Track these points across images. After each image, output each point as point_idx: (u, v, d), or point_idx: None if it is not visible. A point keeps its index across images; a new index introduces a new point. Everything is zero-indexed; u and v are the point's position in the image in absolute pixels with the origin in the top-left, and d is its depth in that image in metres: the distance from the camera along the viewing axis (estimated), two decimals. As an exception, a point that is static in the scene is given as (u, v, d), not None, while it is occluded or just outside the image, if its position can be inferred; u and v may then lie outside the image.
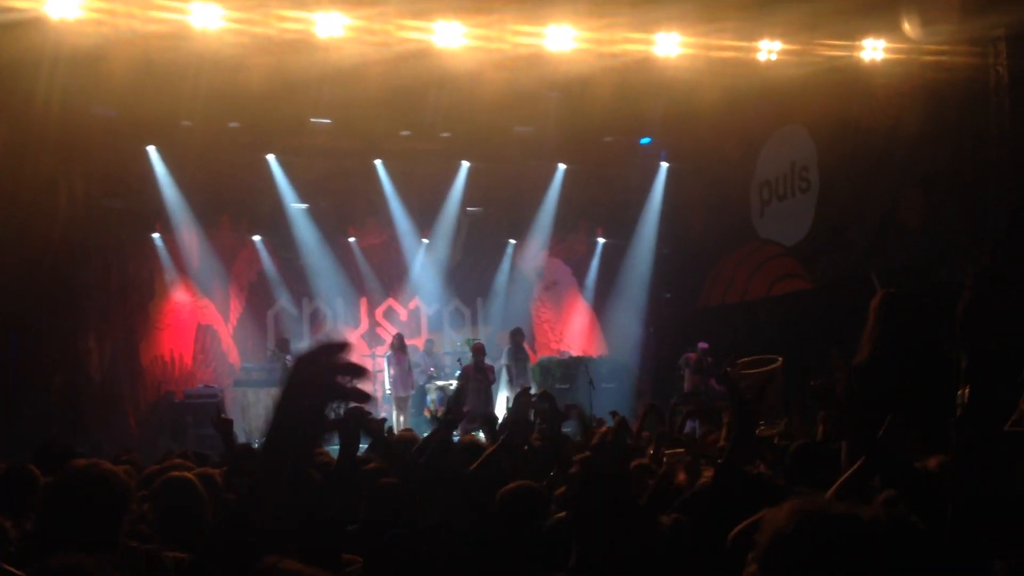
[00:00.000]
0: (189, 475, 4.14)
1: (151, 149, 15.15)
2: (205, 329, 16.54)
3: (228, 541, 1.63)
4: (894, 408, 2.98)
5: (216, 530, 1.74)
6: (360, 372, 1.59)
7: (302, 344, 16.83)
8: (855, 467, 2.90)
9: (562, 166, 17.08)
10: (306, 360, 1.62)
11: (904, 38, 11.50)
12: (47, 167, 12.62)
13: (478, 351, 14.53)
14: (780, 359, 7.47)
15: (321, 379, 1.59)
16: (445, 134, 15.58)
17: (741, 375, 6.53)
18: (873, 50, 12.19)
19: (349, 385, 1.58)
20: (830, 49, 12.39)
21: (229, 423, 5.37)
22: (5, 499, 4.31)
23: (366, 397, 1.62)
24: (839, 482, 2.91)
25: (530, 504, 3.65)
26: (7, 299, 11.95)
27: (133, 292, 15.86)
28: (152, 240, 15.89)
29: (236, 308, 16.85)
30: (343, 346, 1.59)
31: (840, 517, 1.67)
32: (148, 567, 3.10)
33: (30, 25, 10.34)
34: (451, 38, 11.65)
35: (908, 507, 2.53)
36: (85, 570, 1.94)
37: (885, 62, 12.17)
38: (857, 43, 12.21)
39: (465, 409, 4.48)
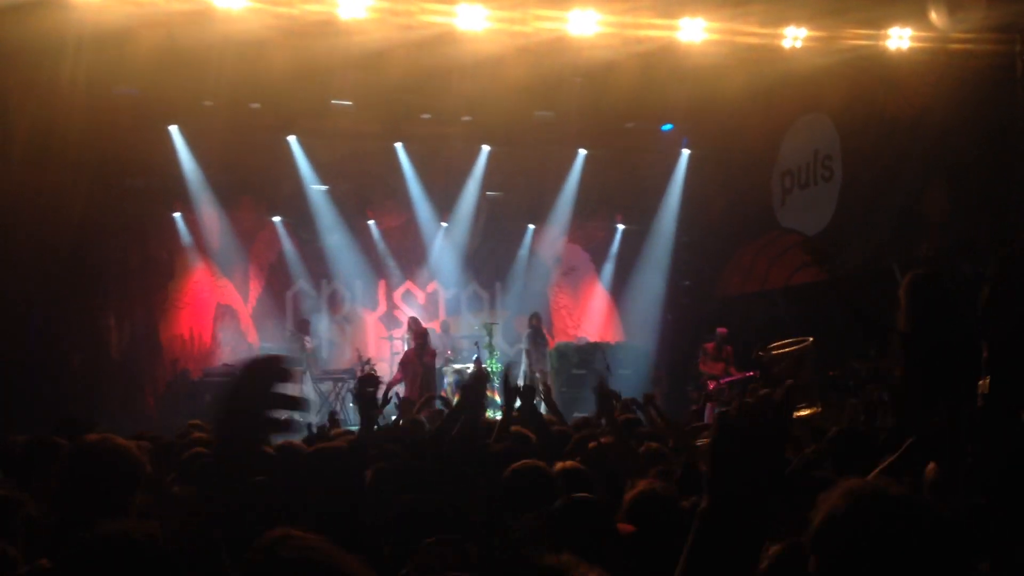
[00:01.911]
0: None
1: (173, 129, 15.20)
2: (224, 309, 16.62)
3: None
4: (931, 384, 2.98)
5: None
6: (290, 378, 1.73)
7: (321, 325, 16.94)
8: (902, 450, 2.88)
9: (583, 151, 17.04)
10: (246, 371, 1.76)
11: (930, 27, 11.40)
12: (73, 146, 12.67)
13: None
14: (810, 339, 7.41)
15: (260, 388, 1.72)
16: (466, 118, 15.56)
17: (773, 358, 6.51)
18: (899, 39, 12.09)
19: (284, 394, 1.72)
20: (856, 37, 12.29)
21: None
22: (29, 472, 4.39)
23: (301, 403, 1.76)
24: (883, 465, 2.91)
25: (536, 483, 3.63)
26: (29, 277, 12.05)
27: (153, 271, 15.96)
28: (173, 219, 15.97)
29: (255, 288, 16.91)
30: (279, 359, 1.74)
31: (895, 499, 1.66)
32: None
33: (56, 6, 10.40)
34: (474, 21, 11.60)
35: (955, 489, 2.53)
36: (132, 537, 1.95)
37: (911, 51, 12.06)
38: (883, 31, 12.11)
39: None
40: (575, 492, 3.31)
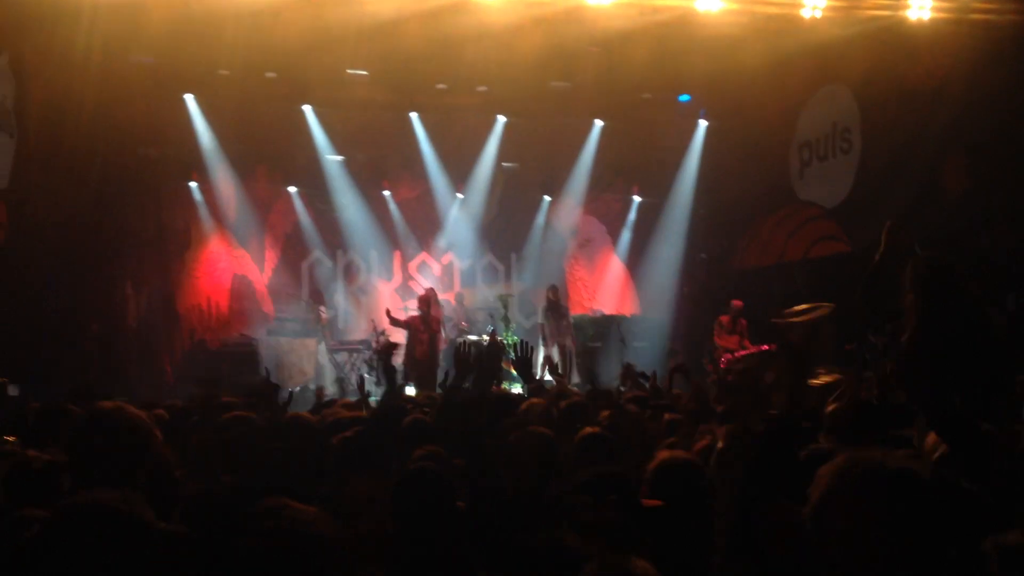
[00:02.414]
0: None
1: (189, 98, 15.20)
2: (240, 279, 16.69)
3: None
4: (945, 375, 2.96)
5: None
6: None
7: (336, 295, 17.00)
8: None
9: (599, 122, 16.94)
10: None
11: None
12: (89, 115, 12.69)
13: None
14: (828, 305, 7.33)
15: None
16: (482, 88, 15.47)
17: (789, 324, 6.48)
18: (920, 9, 11.91)
19: None
20: (876, 7, 12.13)
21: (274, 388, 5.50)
22: (42, 434, 4.47)
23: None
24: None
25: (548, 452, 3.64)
26: (46, 247, 12.11)
27: (170, 241, 16.03)
28: (189, 189, 16.00)
29: (271, 259, 16.96)
30: None
31: (892, 471, 1.65)
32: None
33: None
34: (489, -10, 11.53)
35: (964, 466, 2.51)
36: (110, 506, 1.98)
37: (932, 21, 11.89)
38: (903, 1, 11.94)
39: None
40: (596, 458, 3.32)
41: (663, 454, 3.49)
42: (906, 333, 4.55)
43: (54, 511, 2.01)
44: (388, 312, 14.04)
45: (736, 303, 14.01)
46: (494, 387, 4.54)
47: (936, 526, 1.61)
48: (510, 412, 4.95)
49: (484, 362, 4.38)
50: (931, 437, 3.15)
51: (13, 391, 8.51)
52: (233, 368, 14.31)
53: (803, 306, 7.30)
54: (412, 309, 15.69)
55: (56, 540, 1.90)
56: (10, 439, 4.05)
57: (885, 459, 1.69)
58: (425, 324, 14.13)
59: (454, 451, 3.76)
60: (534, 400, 5.27)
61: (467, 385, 4.43)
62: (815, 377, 4.67)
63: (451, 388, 4.56)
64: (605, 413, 4.94)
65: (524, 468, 3.46)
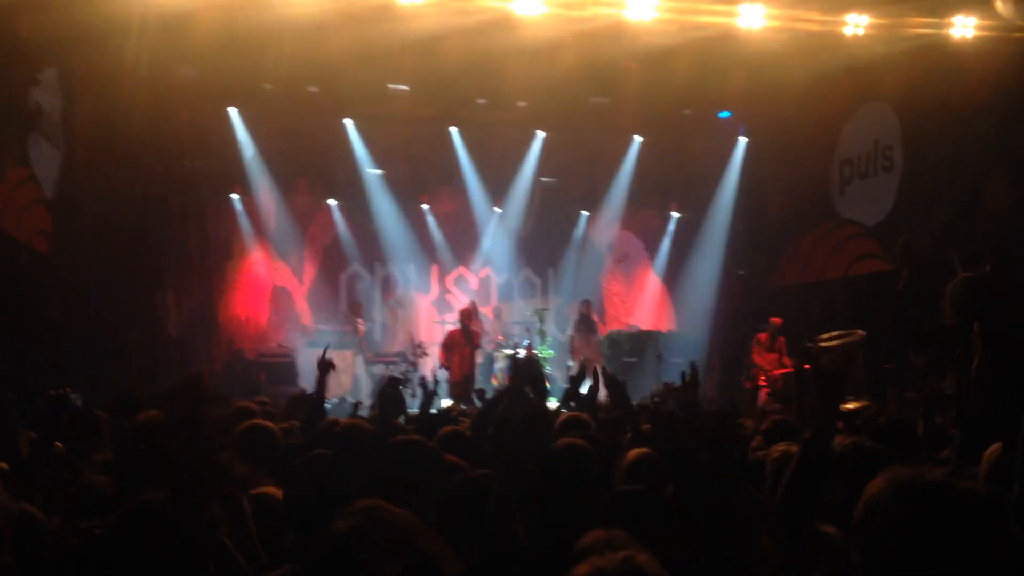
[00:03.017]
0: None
1: (232, 111, 15.40)
2: (279, 291, 16.86)
3: None
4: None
5: None
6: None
7: (374, 308, 17.10)
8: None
9: (638, 138, 16.92)
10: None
11: (996, 16, 11.13)
12: (136, 128, 12.91)
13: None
14: (861, 332, 7.29)
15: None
16: (521, 103, 15.51)
17: (822, 349, 6.42)
18: (963, 27, 11.82)
19: None
20: (919, 25, 12.03)
21: (330, 364, 5.54)
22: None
23: None
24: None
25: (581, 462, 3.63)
26: (89, 255, 12.29)
27: (211, 251, 16.23)
28: (231, 201, 16.20)
29: (310, 271, 17.11)
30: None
31: (936, 486, 1.63)
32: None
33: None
34: (531, 6, 11.56)
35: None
36: (168, 507, 2.01)
37: (975, 40, 11.78)
38: (947, 19, 11.85)
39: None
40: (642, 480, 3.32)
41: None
42: (975, 360, 4.50)
43: (123, 512, 2.05)
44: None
45: (775, 320, 13.90)
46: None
47: (987, 544, 1.59)
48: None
49: (537, 380, 4.35)
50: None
51: (77, 400, 8.63)
52: (271, 378, 14.44)
53: (836, 332, 7.25)
54: (449, 322, 15.76)
55: (125, 540, 1.94)
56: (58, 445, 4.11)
57: (926, 473, 1.68)
58: (467, 338, 14.18)
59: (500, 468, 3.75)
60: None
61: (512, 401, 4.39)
62: (845, 402, 4.65)
63: (508, 405, 4.49)
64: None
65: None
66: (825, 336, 7.11)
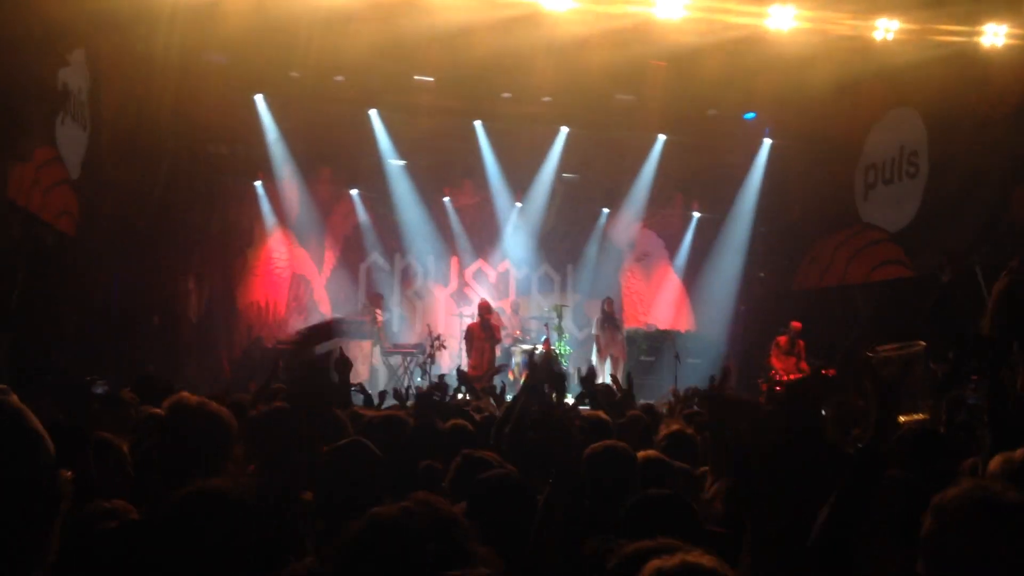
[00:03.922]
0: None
1: (259, 98, 15.42)
2: (299, 279, 16.89)
3: None
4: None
5: None
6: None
7: (392, 299, 17.12)
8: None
9: (662, 137, 16.86)
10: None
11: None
12: (165, 112, 12.98)
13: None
14: (922, 343, 7.22)
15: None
16: (546, 99, 15.49)
17: (882, 360, 6.37)
18: (994, 35, 11.74)
19: None
20: (950, 32, 11.95)
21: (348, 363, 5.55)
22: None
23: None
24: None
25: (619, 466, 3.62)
26: (113, 237, 12.36)
27: (233, 238, 16.28)
28: (254, 188, 16.25)
29: (330, 260, 17.14)
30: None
31: (1014, 504, 1.63)
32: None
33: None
34: (560, 2, 11.57)
35: None
36: (224, 493, 2.02)
37: (1006, 48, 11.71)
38: (978, 27, 11.77)
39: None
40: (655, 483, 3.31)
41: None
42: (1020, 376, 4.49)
43: (174, 499, 2.06)
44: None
45: (795, 324, 13.86)
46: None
47: None
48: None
49: (556, 379, 4.33)
50: (993, 463, 3.10)
51: (99, 388, 8.69)
52: (288, 366, 14.45)
53: (894, 344, 7.20)
54: (467, 315, 15.77)
55: (179, 525, 1.95)
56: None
57: (1002, 490, 1.67)
58: (486, 332, 14.19)
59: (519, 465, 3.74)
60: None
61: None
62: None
63: (525, 402, 4.46)
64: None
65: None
66: (885, 347, 7.05)
